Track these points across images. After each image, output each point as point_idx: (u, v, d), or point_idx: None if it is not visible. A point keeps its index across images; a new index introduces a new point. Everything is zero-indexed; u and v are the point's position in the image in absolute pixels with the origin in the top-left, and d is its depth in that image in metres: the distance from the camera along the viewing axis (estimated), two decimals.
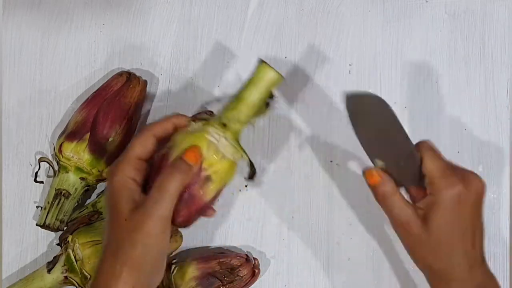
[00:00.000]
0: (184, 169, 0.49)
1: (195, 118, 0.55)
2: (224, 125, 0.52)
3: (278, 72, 0.53)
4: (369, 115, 0.52)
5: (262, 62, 0.54)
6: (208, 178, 0.51)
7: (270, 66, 0.53)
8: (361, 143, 0.53)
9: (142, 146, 0.51)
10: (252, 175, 0.55)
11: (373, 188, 0.52)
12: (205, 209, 0.52)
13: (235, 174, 0.53)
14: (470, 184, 0.51)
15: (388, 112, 0.52)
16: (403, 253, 0.64)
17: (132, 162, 0.51)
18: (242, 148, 0.53)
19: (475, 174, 0.52)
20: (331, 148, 0.66)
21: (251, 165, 0.54)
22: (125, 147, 0.63)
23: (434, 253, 0.51)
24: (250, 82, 0.53)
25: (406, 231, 0.52)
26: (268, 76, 0.53)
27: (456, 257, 0.51)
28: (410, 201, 0.54)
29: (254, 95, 0.53)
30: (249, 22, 0.70)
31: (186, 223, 0.51)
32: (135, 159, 0.51)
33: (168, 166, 0.50)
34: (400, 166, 0.52)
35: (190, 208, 0.50)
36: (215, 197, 0.52)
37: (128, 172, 0.50)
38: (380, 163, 0.52)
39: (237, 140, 0.53)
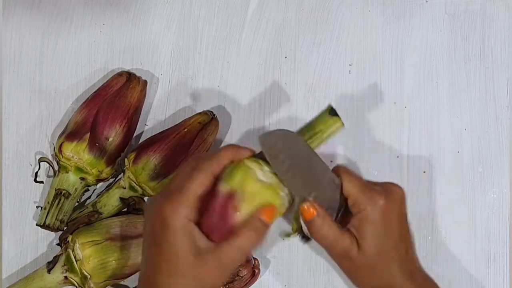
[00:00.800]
0: (261, 231, 0.48)
1: (255, 155, 0.52)
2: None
3: (342, 123, 0.52)
4: (283, 151, 0.50)
5: (331, 110, 0.52)
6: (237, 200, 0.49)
7: (338, 116, 0.52)
8: (284, 182, 0.50)
9: (202, 185, 0.48)
10: (305, 237, 0.53)
11: (308, 223, 0.50)
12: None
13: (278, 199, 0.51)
14: (390, 195, 0.51)
15: (301, 144, 0.51)
16: None
17: (192, 203, 0.48)
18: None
19: (393, 184, 0.53)
20: (331, 148, 0.66)
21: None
22: (125, 146, 0.64)
23: (373, 272, 0.51)
24: (316, 131, 0.52)
25: (345, 258, 0.51)
26: (334, 127, 0.52)
27: (393, 270, 0.51)
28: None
29: (316, 144, 0.52)
30: (249, 22, 0.70)
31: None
32: (195, 200, 0.48)
33: (246, 227, 0.48)
34: (325, 196, 0.51)
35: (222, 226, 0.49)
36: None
37: (190, 214, 0.47)
38: (311, 197, 0.50)
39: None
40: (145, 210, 0.52)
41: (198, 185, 0.48)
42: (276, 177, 0.50)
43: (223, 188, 0.48)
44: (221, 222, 0.48)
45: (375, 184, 0.53)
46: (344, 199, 0.52)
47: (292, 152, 0.50)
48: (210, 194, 0.48)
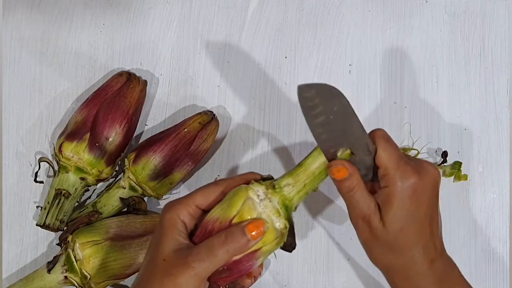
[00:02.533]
0: (239, 241, 0.46)
1: (263, 179, 0.51)
2: (279, 191, 0.49)
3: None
4: (320, 105, 0.48)
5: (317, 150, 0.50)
6: (260, 255, 0.48)
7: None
8: (316, 136, 0.49)
9: (205, 195, 0.49)
10: (289, 247, 0.50)
11: (339, 182, 0.49)
12: (242, 273, 0.49)
13: (270, 241, 0.48)
14: (425, 174, 0.49)
15: (341, 103, 0.49)
16: None
17: (189, 206, 0.49)
18: (288, 217, 0.49)
19: (430, 163, 0.50)
20: None
21: (292, 236, 0.50)
22: (125, 146, 0.64)
23: (391, 250, 0.50)
24: (315, 151, 0.50)
25: (366, 224, 0.50)
26: (322, 167, 0.50)
27: (414, 252, 0.49)
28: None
29: (315, 165, 0.50)
30: (249, 22, 0.70)
31: (221, 286, 0.49)
32: (193, 205, 0.49)
33: (227, 230, 0.46)
34: (357, 157, 0.49)
35: (232, 276, 0.48)
36: (248, 260, 0.48)
37: (182, 214, 0.48)
38: (345, 151, 0.49)
39: (286, 207, 0.49)
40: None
41: (200, 193, 0.49)
42: (274, 208, 0.48)
43: (221, 211, 0.48)
44: (204, 229, 0.48)
45: (411, 159, 0.51)
46: (375, 167, 0.50)
47: (329, 109, 0.48)
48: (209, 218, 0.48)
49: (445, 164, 0.65)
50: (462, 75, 0.68)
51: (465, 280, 0.52)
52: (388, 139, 0.50)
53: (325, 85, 0.48)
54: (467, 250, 0.64)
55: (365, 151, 0.49)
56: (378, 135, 0.50)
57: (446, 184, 0.65)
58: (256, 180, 0.50)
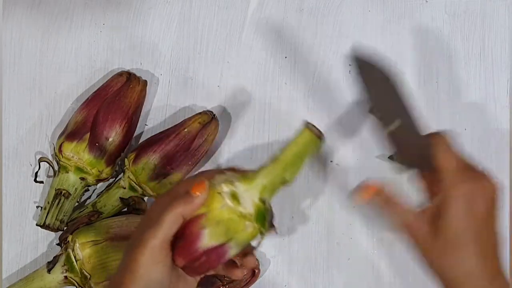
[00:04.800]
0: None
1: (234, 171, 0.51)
2: (247, 179, 0.49)
3: (319, 138, 0.49)
4: (382, 82, 0.50)
5: (307, 125, 0.50)
6: (204, 221, 0.47)
7: (314, 131, 0.49)
8: (373, 102, 0.50)
9: (187, 182, 0.49)
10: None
11: (372, 200, 0.50)
12: (214, 260, 0.47)
13: (242, 229, 0.48)
14: (484, 184, 0.48)
15: (399, 87, 0.51)
16: (402, 253, 0.64)
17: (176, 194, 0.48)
18: (261, 207, 0.49)
19: (490, 175, 0.50)
20: (331, 148, 0.66)
21: (270, 224, 0.50)
22: (125, 146, 0.64)
23: (444, 256, 0.48)
24: (291, 144, 0.50)
25: (412, 234, 0.49)
26: (308, 141, 0.49)
27: (469, 263, 0.47)
28: (424, 191, 0.52)
29: (288, 157, 0.49)
30: (249, 22, 0.70)
31: (189, 268, 0.48)
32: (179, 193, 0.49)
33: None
34: (410, 145, 0.50)
35: (188, 249, 0.47)
36: (222, 249, 0.47)
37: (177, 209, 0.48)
38: (397, 122, 0.49)
39: (262, 198, 0.49)
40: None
41: (184, 188, 0.48)
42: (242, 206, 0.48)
43: None
44: (187, 242, 0.47)
45: (472, 166, 0.50)
46: (430, 161, 0.50)
47: (388, 87, 0.51)
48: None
49: None
50: (462, 75, 0.68)
51: None
52: (449, 143, 0.50)
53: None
54: None
55: (420, 142, 0.50)
56: (439, 137, 0.50)
57: None
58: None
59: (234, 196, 0.48)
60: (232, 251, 0.48)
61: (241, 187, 0.49)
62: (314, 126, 0.49)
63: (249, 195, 0.48)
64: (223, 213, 0.47)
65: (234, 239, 0.48)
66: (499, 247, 0.49)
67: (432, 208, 0.49)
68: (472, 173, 0.49)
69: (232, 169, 0.51)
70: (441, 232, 0.48)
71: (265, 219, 0.49)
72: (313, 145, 0.50)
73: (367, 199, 0.49)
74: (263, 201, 0.49)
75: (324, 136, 0.49)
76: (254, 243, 0.50)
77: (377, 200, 0.50)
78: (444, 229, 0.48)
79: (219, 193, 0.48)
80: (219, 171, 0.51)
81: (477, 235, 0.48)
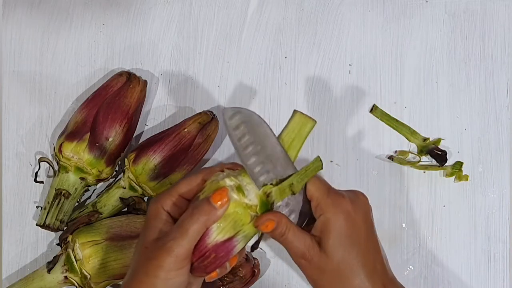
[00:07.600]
0: (206, 210, 0.47)
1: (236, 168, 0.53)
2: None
3: (311, 118, 0.51)
4: (248, 134, 0.51)
5: (296, 111, 0.52)
6: None
7: (304, 114, 0.51)
8: (245, 164, 0.50)
9: (188, 184, 0.51)
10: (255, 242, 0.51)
11: (271, 233, 0.49)
12: (223, 256, 0.49)
13: (247, 222, 0.49)
14: (355, 201, 0.50)
15: (266, 130, 0.51)
16: (402, 253, 0.64)
17: (172, 197, 0.51)
18: (263, 201, 0.50)
19: (358, 192, 0.52)
20: (331, 148, 0.66)
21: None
22: (125, 146, 0.64)
23: (337, 279, 0.49)
24: (285, 129, 0.52)
25: (307, 261, 0.49)
26: (302, 123, 0.51)
27: (362, 277, 0.49)
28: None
29: (285, 142, 0.51)
30: (249, 22, 0.70)
31: (197, 268, 0.49)
32: (176, 194, 0.51)
33: (193, 204, 0.49)
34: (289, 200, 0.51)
35: (197, 246, 0.48)
36: (230, 243, 0.49)
37: (165, 204, 0.50)
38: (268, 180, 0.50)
39: (264, 193, 0.50)
40: None
41: (184, 182, 0.51)
42: (248, 197, 0.49)
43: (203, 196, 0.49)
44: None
45: (339, 190, 0.52)
46: (309, 205, 0.51)
47: (257, 138, 0.51)
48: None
49: (445, 164, 0.65)
50: (462, 75, 0.68)
51: None
52: (315, 175, 0.51)
53: (249, 111, 0.52)
54: (467, 250, 0.64)
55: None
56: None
57: (447, 184, 0.65)
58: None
59: (239, 189, 0.49)
60: (239, 245, 0.49)
61: (244, 180, 0.50)
62: (303, 112, 0.51)
63: (253, 187, 0.50)
64: (229, 207, 0.48)
65: (241, 232, 0.49)
66: (382, 256, 0.51)
67: (316, 236, 0.50)
68: (341, 193, 0.50)
69: (232, 165, 0.52)
70: (328, 258, 0.49)
71: (269, 210, 0.50)
72: (306, 126, 0.51)
73: (266, 232, 0.49)
74: (266, 193, 0.50)
75: (314, 119, 0.51)
76: (257, 235, 0.51)
77: (275, 234, 0.49)
78: (330, 253, 0.49)
79: (223, 187, 0.49)
80: (219, 167, 0.52)
81: (360, 253, 0.49)
